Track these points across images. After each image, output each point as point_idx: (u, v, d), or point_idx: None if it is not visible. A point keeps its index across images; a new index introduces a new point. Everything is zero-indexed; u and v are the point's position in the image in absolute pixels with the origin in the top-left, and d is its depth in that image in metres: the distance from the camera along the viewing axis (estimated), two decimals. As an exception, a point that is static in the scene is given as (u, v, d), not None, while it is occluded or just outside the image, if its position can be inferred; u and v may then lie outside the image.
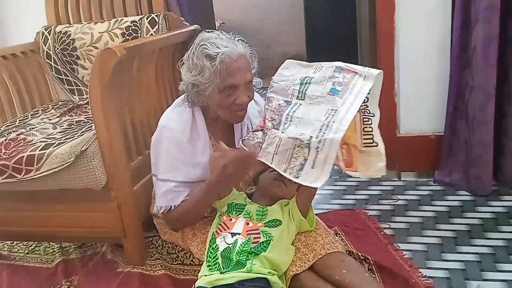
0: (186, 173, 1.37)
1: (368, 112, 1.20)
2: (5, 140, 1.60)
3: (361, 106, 1.16)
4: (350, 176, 2.11)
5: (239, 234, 1.27)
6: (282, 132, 1.21)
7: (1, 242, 1.88)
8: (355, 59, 3.03)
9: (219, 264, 1.22)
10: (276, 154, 1.21)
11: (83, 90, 2.09)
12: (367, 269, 1.39)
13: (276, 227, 1.30)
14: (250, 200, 1.41)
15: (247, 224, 1.30)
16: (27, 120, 1.87)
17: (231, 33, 1.35)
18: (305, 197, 1.35)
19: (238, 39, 1.33)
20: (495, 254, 1.46)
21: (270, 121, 1.27)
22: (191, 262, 1.53)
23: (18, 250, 1.82)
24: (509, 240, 1.53)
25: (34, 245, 1.84)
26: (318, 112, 1.16)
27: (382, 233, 1.64)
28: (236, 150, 1.30)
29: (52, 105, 2.07)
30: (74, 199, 1.56)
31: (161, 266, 1.56)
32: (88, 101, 1.89)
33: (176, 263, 1.58)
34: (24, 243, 1.86)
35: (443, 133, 1.93)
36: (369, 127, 1.19)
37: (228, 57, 1.26)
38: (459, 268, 1.42)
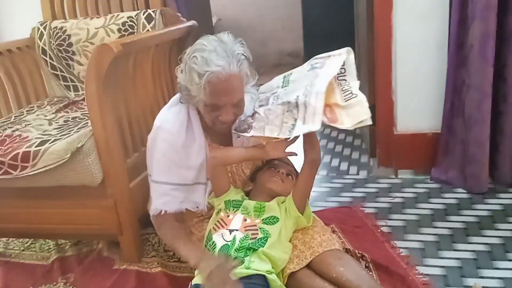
0: (180, 175, 1.36)
1: (345, 80, 1.29)
2: (1, 136, 1.59)
3: (339, 77, 1.28)
4: (347, 174, 2.16)
5: (237, 230, 1.27)
6: (272, 104, 1.28)
7: (-4, 239, 1.87)
8: (352, 57, 3.03)
9: (216, 261, 1.22)
10: (267, 124, 1.26)
11: (79, 86, 2.07)
12: (364, 266, 1.40)
13: (273, 224, 1.29)
14: (247, 198, 1.41)
15: (245, 220, 1.30)
16: (23, 116, 1.85)
17: (231, 41, 1.26)
18: (301, 193, 1.35)
19: (238, 53, 1.23)
20: (491, 252, 1.47)
21: (259, 105, 1.33)
22: (188, 260, 1.53)
23: (14, 247, 1.81)
24: (506, 237, 1.53)
25: (30, 242, 1.83)
26: (302, 82, 1.27)
27: (379, 230, 1.65)
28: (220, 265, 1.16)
29: (47, 101, 2.05)
30: (70, 196, 1.55)
31: (158, 264, 1.56)
32: (84, 97, 1.88)
33: (172, 260, 1.58)
34: (20, 240, 1.85)
35: (440, 131, 1.94)
36: (347, 86, 1.28)
37: (216, 78, 1.19)
38: (455, 266, 1.42)
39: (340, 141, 2.58)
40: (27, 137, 1.55)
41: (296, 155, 1.34)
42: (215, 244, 1.26)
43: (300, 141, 1.31)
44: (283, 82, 1.36)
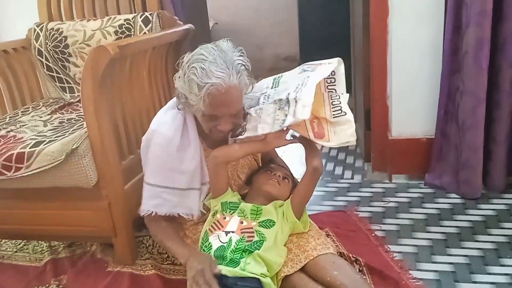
0: (172, 179, 1.36)
1: (335, 90, 1.32)
2: (-5, 137, 1.58)
3: (328, 85, 1.32)
4: (342, 178, 2.16)
5: (233, 232, 1.27)
6: (263, 103, 1.31)
7: (-11, 240, 1.86)
8: (348, 62, 3.04)
9: (212, 262, 1.22)
10: (259, 123, 1.28)
11: (75, 88, 2.07)
12: (358, 270, 1.40)
13: (269, 228, 1.30)
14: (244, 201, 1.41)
15: (241, 223, 1.30)
16: (18, 117, 1.85)
17: (231, 50, 1.25)
18: (300, 200, 1.36)
19: (238, 63, 1.23)
20: (484, 257, 1.47)
21: (249, 106, 1.35)
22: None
23: (6, 248, 1.80)
24: (498, 243, 1.54)
25: (22, 243, 1.82)
26: (294, 82, 1.30)
27: (373, 235, 1.65)
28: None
29: (43, 103, 2.05)
30: (64, 198, 1.54)
31: (152, 266, 1.56)
32: (79, 99, 1.87)
33: (166, 263, 1.57)
34: (13, 242, 1.84)
35: (434, 137, 1.95)
36: (337, 101, 1.30)
37: (216, 90, 1.19)
38: (448, 270, 1.43)
39: (335, 146, 2.59)
40: (22, 138, 1.55)
41: (298, 141, 1.34)
42: (211, 245, 1.26)
43: (303, 152, 1.34)
44: (273, 84, 1.38)
